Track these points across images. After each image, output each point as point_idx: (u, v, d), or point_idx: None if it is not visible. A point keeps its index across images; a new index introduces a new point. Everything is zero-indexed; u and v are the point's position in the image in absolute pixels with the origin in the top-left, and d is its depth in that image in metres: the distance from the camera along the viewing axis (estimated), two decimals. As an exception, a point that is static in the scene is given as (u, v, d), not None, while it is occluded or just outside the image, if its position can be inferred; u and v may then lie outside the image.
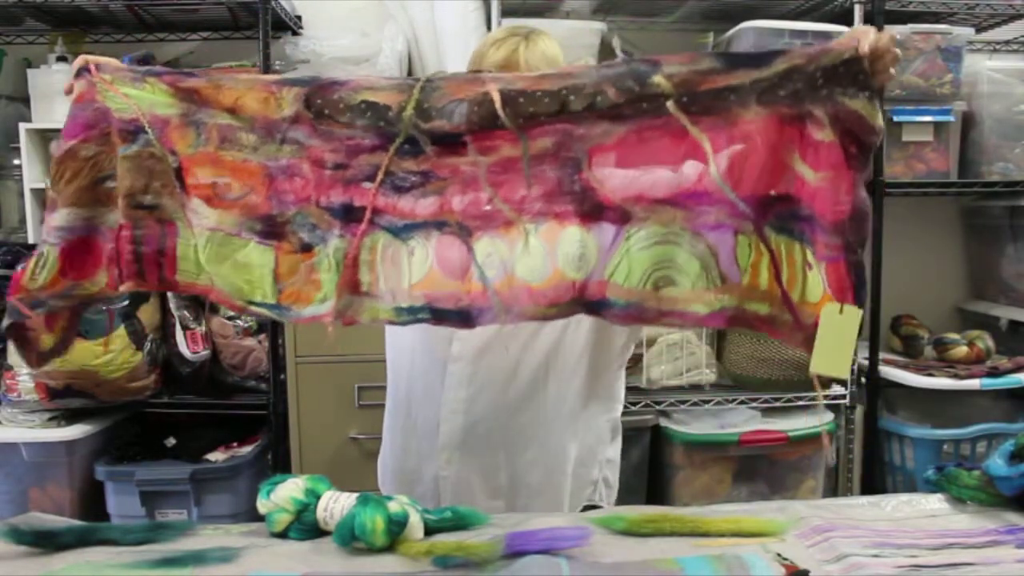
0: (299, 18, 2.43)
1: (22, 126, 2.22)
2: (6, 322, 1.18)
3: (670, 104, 1.00)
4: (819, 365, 1.00)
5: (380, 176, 1.09)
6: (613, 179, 1.06)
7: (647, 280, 1.07)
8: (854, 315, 0.98)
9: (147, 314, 2.20)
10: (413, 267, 1.11)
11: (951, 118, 2.39)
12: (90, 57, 1.18)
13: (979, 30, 2.60)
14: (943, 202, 2.75)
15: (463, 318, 1.10)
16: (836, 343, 0.99)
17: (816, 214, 0.99)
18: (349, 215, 1.12)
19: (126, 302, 2.13)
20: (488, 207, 1.08)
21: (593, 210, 1.07)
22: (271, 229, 1.15)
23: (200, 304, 2.31)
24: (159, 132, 1.16)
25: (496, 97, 1.03)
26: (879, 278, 2.35)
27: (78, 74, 1.17)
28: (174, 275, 1.21)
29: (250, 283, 1.17)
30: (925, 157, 2.43)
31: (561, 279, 1.07)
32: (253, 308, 1.17)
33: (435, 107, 1.05)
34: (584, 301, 1.09)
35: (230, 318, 2.28)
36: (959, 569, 0.97)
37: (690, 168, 1.04)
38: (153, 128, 1.15)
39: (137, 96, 1.16)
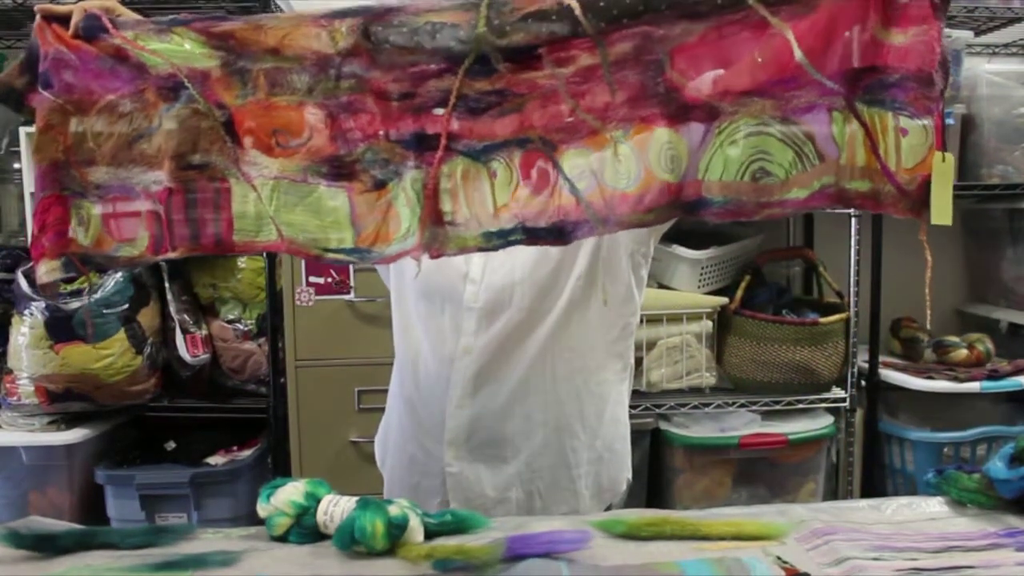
0: (299, 22, 2.43)
1: (22, 130, 2.22)
2: (55, 276, 1.14)
3: None
4: (936, 217, 1.02)
5: (453, 100, 1.06)
6: (697, 77, 1.04)
7: (744, 172, 1.05)
8: (950, 160, 1.00)
9: (147, 318, 2.20)
10: (497, 189, 1.08)
11: (950, 121, 2.39)
12: (91, 4, 1.10)
13: (978, 33, 2.60)
14: (943, 205, 2.75)
15: (558, 234, 1.08)
16: (942, 192, 1.01)
17: (911, 72, 0.98)
18: (423, 144, 1.08)
19: (126, 306, 2.14)
20: (571, 119, 1.06)
21: (680, 111, 1.05)
22: (339, 171, 1.11)
23: (200, 308, 2.31)
24: (200, 87, 1.10)
25: (575, 4, 1.01)
26: (879, 281, 2.35)
27: (89, 31, 1.09)
28: (231, 236, 1.16)
29: (323, 229, 1.12)
30: (925, 160, 2.43)
31: (654, 181, 1.06)
32: (330, 256, 1.13)
33: (507, 22, 1.02)
34: (680, 203, 1.07)
35: (230, 321, 2.28)
36: (959, 572, 0.97)
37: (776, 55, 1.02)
38: (193, 83, 1.10)
39: (168, 51, 1.09)
